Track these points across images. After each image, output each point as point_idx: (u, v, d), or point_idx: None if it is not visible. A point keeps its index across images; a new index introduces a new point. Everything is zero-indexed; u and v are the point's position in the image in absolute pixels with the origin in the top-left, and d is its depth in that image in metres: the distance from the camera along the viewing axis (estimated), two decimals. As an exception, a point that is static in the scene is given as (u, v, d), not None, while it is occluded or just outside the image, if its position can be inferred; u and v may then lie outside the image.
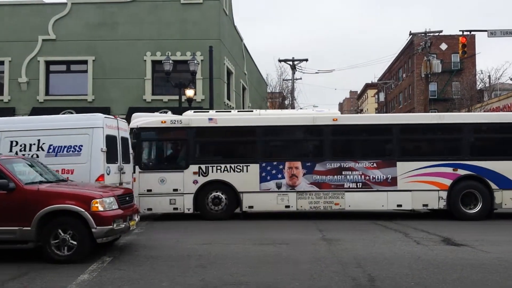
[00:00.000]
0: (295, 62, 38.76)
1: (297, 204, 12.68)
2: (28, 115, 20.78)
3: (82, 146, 11.14)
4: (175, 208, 12.78)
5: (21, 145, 11.25)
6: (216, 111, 14.23)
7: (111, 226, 7.57)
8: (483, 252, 8.13)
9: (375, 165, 12.64)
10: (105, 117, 11.59)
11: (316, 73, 40.94)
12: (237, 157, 13.07)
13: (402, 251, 8.22)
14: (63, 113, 19.41)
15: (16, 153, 11.01)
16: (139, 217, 8.91)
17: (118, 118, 12.56)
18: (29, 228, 7.44)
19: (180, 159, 13.22)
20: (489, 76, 41.76)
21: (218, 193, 12.77)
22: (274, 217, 13.04)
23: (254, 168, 12.74)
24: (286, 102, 43.28)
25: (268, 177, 12.71)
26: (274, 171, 12.72)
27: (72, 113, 19.48)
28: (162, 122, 13.03)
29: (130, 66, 23.21)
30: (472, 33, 27.54)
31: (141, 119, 13.10)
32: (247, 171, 12.75)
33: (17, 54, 23.40)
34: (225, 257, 7.83)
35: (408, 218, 12.76)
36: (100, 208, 7.51)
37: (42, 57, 23.48)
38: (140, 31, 23.33)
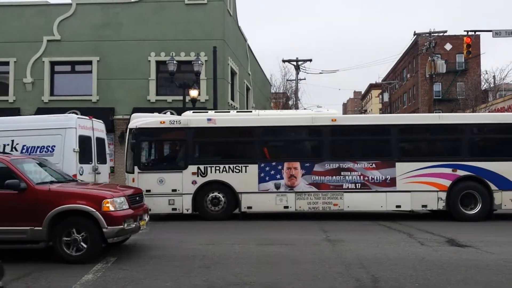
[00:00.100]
0: (299, 63, 38.80)
1: (295, 204, 12.70)
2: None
3: (54, 146, 11.25)
4: (174, 209, 12.83)
5: None
6: (215, 112, 14.29)
7: (121, 226, 7.59)
8: (488, 253, 8.10)
9: (374, 165, 12.64)
10: (78, 117, 11.70)
11: (320, 73, 41.10)
12: (236, 158, 13.10)
13: (406, 252, 8.21)
14: (68, 113, 19.56)
15: None
16: (148, 217, 8.91)
17: (93, 119, 12.60)
18: (40, 228, 7.45)
19: (179, 159, 13.28)
20: (494, 77, 41.58)
21: (217, 194, 12.83)
22: (273, 218, 13.06)
23: (253, 169, 12.78)
24: (290, 102, 43.31)
25: (267, 178, 12.74)
26: (272, 172, 12.75)
27: (76, 113, 19.57)
28: (161, 122, 13.06)
29: (135, 66, 23.26)
30: (477, 33, 27.43)
31: (140, 120, 13.13)
32: (245, 172, 12.80)
33: (22, 54, 23.50)
34: (228, 257, 7.86)
35: (412, 219, 12.70)
36: (111, 208, 7.53)
37: (47, 57, 23.58)
38: (144, 31, 23.38)
